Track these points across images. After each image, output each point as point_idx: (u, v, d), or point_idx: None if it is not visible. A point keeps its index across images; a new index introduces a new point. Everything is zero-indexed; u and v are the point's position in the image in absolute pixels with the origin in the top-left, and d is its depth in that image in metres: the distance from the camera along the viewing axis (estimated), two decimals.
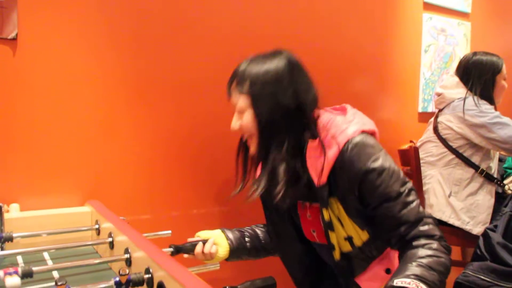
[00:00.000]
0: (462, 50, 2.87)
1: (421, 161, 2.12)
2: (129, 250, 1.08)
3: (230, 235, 1.26)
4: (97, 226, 1.36)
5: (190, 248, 1.19)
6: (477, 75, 2.03)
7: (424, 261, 0.92)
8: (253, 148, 1.13)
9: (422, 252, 0.94)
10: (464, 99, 2.00)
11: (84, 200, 1.51)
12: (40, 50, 1.43)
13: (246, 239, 1.30)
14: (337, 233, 1.10)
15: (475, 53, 2.09)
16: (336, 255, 1.11)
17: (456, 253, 2.50)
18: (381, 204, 1.02)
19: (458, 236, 2.03)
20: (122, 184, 1.60)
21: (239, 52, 1.83)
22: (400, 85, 2.54)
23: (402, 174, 1.04)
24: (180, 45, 1.69)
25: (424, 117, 2.63)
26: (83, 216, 1.42)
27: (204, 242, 1.20)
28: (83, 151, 1.52)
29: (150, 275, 0.94)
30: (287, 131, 1.07)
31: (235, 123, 1.12)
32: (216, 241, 1.22)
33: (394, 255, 1.14)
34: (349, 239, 1.10)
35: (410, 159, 2.12)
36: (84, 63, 1.51)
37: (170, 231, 1.39)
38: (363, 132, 1.06)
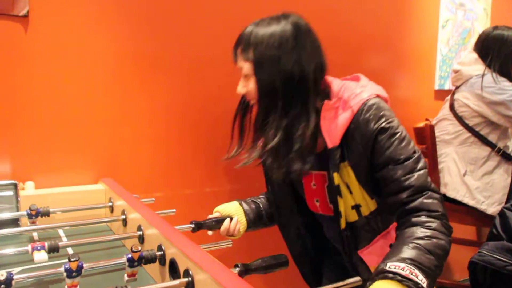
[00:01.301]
0: (482, 25, 2.78)
1: (436, 139, 2.09)
2: (142, 228, 1.10)
3: (249, 212, 1.26)
4: (110, 204, 1.37)
5: (212, 224, 1.18)
6: (497, 50, 1.97)
7: (422, 242, 0.89)
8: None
9: (420, 232, 0.91)
10: (483, 75, 1.95)
11: (98, 178, 1.52)
12: (52, 27, 1.42)
13: (263, 211, 1.30)
14: (345, 200, 1.09)
15: (496, 27, 2.02)
16: (342, 223, 1.09)
17: (471, 232, 2.49)
18: (387, 165, 1.00)
19: (473, 216, 2.01)
20: (135, 162, 1.61)
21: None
22: (417, 61, 2.49)
23: (413, 144, 1.02)
24: (193, 20, 1.67)
25: (441, 94, 2.57)
26: (97, 194, 1.44)
27: (227, 218, 1.20)
28: (96, 129, 1.52)
29: (162, 252, 0.95)
30: (291, 99, 1.04)
31: (241, 89, 1.10)
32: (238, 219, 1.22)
33: None
34: (357, 207, 1.09)
35: (426, 137, 2.10)
36: (97, 39, 1.49)
37: (174, 210, 1.40)
38: (377, 96, 1.06)
